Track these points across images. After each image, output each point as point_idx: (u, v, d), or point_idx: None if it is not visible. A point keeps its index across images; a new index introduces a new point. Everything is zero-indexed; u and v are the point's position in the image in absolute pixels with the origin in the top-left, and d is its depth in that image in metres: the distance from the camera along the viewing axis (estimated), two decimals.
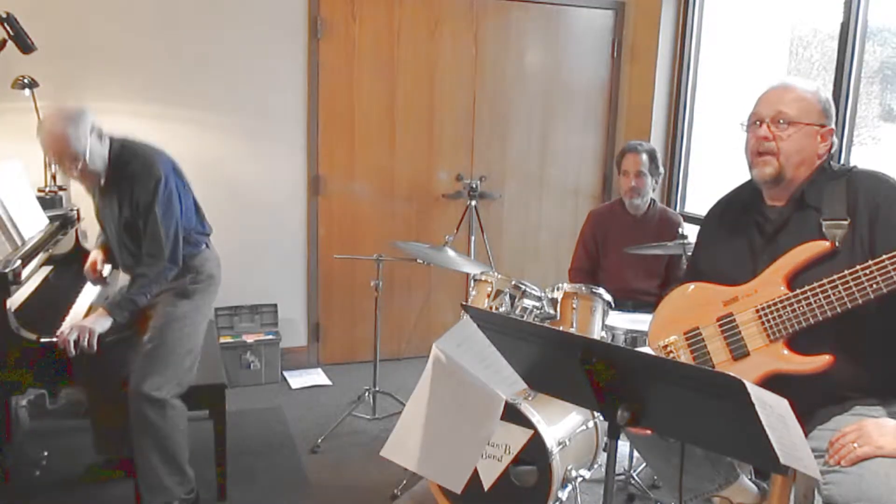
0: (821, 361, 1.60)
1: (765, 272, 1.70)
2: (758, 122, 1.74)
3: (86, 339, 2.23)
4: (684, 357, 1.78)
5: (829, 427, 1.64)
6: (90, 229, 3.40)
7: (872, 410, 1.63)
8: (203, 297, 2.55)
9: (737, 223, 1.86)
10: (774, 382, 1.59)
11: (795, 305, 1.61)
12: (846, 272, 1.54)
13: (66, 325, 2.33)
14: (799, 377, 1.62)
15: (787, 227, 1.74)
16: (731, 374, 1.17)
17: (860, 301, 1.52)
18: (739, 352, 1.70)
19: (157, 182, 2.34)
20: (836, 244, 1.62)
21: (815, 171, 1.74)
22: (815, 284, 1.58)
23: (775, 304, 1.64)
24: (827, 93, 1.78)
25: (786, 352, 1.64)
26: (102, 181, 2.40)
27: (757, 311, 1.68)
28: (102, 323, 2.30)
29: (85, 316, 2.47)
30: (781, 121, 1.71)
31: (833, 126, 1.75)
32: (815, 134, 1.72)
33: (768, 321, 1.66)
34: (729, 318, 1.73)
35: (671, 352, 1.81)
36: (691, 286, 1.86)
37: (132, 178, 2.35)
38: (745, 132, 1.80)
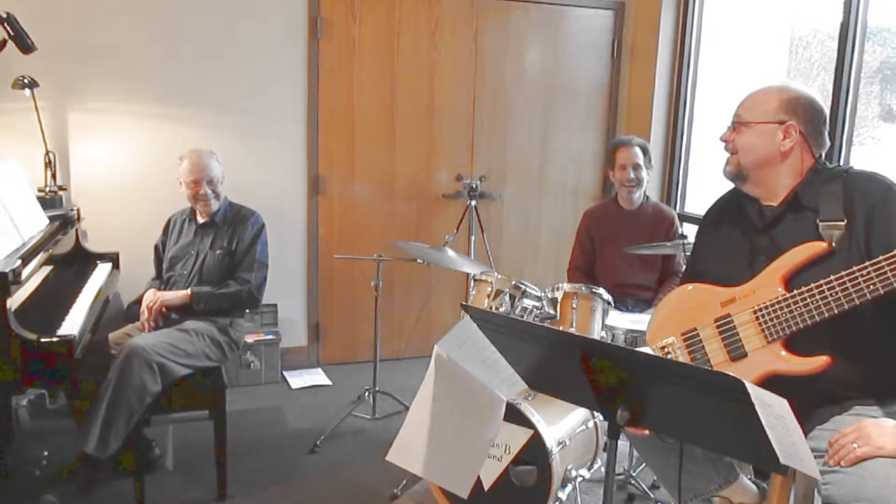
0: (819, 362, 1.60)
1: (762, 273, 1.70)
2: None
3: (154, 305, 2.67)
4: (682, 358, 1.79)
5: (828, 427, 1.64)
6: (90, 229, 3.41)
7: (871, 410, 1.63)
8: (223, 351, 2.78)
9: (734, 224, 1.87)
10: (772, 383, 1.59)
11: (793, 306, 1.61)
12: (843, 273, 1.54)
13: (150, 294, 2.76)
14: (797, 378, 1.62)
15: (783, 227, 1.74)
16: (731, 373, 1.17)
17: (857, 302, 1.52)
18: (737, 353, 1.71)
19: (262, 227, 2.96)
20: (833, 245, 1.63)
21: (808, 172, 1.75)
22: (813, 285, 1.58)
23: (773, 304, 1.65)
24: (798, 90, 1.77)
25: (783, 352, 1.64)
26: (207, 217, 2.92)
27: (754, 311, 1.68)
28: (172, 299, 2.72)
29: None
30: (738, 123, 1.80)
31: (795, 122, 1.73)
32: (771, 131, 1.74)
33: (766, 322, 1.66)
34: (727, 319, 1.73)
35: (669, 353, 1.81)
36: (689, 287, 1.86)
37: (241, 219, 2.93)
38: None
